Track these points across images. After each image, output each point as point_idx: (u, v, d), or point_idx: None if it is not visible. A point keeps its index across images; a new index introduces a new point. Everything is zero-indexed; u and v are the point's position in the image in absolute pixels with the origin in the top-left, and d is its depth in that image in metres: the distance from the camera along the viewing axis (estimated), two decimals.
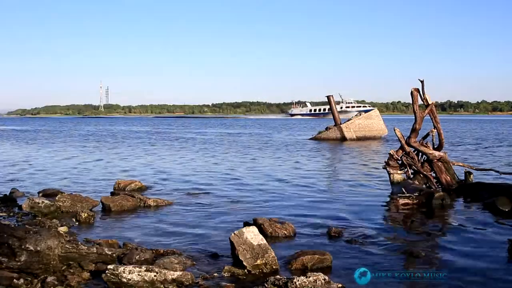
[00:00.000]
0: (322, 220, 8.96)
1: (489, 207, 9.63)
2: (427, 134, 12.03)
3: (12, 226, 6.79)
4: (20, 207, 9.64)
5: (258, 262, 6.01)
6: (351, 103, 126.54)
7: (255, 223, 7.85)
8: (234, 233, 6.30)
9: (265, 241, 6.24)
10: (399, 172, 11.83)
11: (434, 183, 11.49)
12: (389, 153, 12.16)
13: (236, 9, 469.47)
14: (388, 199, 11.06)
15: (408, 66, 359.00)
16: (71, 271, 5.80)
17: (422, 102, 11.73)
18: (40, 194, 11.20)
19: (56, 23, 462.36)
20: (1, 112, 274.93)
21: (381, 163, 14.90)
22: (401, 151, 11.96)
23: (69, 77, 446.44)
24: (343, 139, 34.23)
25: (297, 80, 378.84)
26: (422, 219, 9.14)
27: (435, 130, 11.86)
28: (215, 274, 5.90)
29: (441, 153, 11.72)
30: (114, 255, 6.25)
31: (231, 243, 6.26)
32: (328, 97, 37.16)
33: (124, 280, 5.27)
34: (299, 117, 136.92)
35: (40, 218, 8.62)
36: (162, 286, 5.36)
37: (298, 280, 5.19)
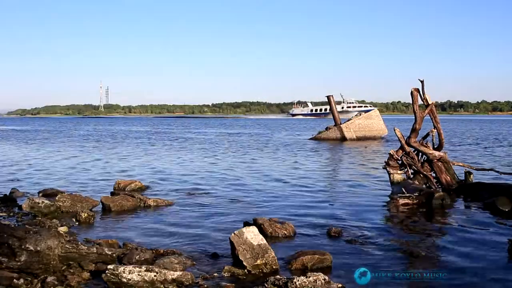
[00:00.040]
0: (322, 220, 8.96)
1: (489, 207, 9.63)
2: (427, 134, 12.03)
3: (12, 226, 6.79)
4: (20, 207, 9.63)
5: (258, 262, 6.01)
6: (353, 103, 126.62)
7: (255, 223, 7.85)
8: (234, 233, 6.30)
9: (265, 241, 6.25)
10: (399, 172, 11.83)
11: (434, 183, 11.49)
12: (389, 153, 12.16)
13: (236, 9, 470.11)
14: (388, 199, 11.05)
15: (408, 66, 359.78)
16: (71, 271, 5.80)
17: (422, 102, 11.73)
18: (40, 194, 11.20)
19: (56, 23, 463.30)
20: (1, 112, 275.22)
21: (381, 163, 14.90)
22: (401, 151, 11.96)
23: (69, 77, 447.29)
24: (343, 139, 34.24)
25: (297, 80, 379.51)
26: (422, 219, 9.13)
27: (435, 130, 11.86)
28: (215, 274, 5.90)
29: (441, 153, 11.72)
30: (114, 255, 6.25)
31: (231, 243, 6.26)
32: (328, 97, 37.16)
33: (124, 280, 5.27)
34: (301, 117, 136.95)
35: (40, 218, 8.62)
36: (162, 286, 5.36)
37: (298, 280, 5.19)
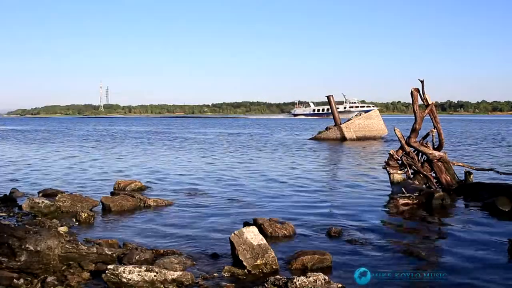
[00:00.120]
0: (322, 220, 8.96)
1: (489, 207, 9.63)
2: (427, 134, 12.03)
3: (12, 226, 6.79)
4: (20, 207, 9.63)
5: (258, 262, 6.01)
6: (355, 103, 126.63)
7: (255, 223, 7.85)
8: (234, 233, 6.30)
9: (265, 241, 6.25)
10: (399, 172, 11.83)
11: (434, 183, 11.49)
12: (389, 153, 12.17)
13: (236, 9, 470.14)
14: (388, 199, 11.06)
15: (408, 66, 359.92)
16: (71, 271, 5.80)
17: (422, 102, 11.73)
18: (40, 194, 11.20)
19: (56, 23, 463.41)
20: (1, 112, 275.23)
21: (381, 163, 14.90)
22: (401, 151, 11.96)
23: (69, 77, 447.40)
24: (343, 139, 34.24)
25: (297, 80, 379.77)
26: (422, 219, 9.13)
27: (435, 130, 11.86)
28: (215, 274, 5.90)
29: (441, 153, 11.72)
30: (114, 255, 6.25)
31: (231, 243, 6.26)
32: (328, 97, 37.16)
33: (124, 280, 5.27)
34: (303, 117, 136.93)
35: (40, 218, 8.62)
36: (162, 286, 5.36)
37: (298, 280, 5.19)
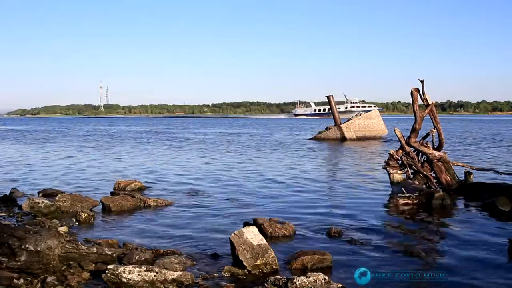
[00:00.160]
0: (322, 220, 8.96)
1: (489, 207, 9.63)
2: (427, 134, 12.03)
3: (12, 226, 6.79)
4: (20, 207, 9.63)
5: (258, 262, 6.01)
6: (356, 103, 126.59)
7: (255, 223, 7.85)
8: (234, 233, 6.30)
9: (265, 241, 6.24)
10: (399, 172, 11.83)
11: (434, 183, 11.49)
12: (389, 153, 12.16)
13: (236, 9, 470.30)
14: (388, 199, 11.06)
15: (408, 66, 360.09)
16: (71, 271, 5.80)
17: (422, 102, 11.73)
18: (40, 194, 11.20)
19: (56, 23, 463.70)
20: (1, 112, 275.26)
21: (381, 163, 14.91)
22: (401, 151, 11.96)
23: (69, 77, 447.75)
24: (343, 139, 34.24)
25: (297, 80, 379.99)
26: (422, 219, 9.13)
27: (435, 130, 11.86)
28: (215, 274, 5.90)
29: (441, 153, 11.72)
30: (114, 255, 6.25)
31: (231, 243, 6.26)
32: (328, 97, 37.16)
33: (124, 280, 5.27)
34: (304, 117, 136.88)
35: (40, 218, 8.62)
36: (162, 286, 5.36)
37: (298, 280, 5.19)
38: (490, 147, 27.84)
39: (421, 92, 11.53)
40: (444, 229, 8.44)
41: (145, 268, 5.42)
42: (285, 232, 7.81)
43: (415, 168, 11.66)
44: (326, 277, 5.34)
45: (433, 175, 11.69)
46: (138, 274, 5.32)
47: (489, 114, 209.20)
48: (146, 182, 13.54)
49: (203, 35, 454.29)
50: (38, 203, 9.37)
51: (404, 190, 10.44)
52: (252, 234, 6.25)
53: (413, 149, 11.85)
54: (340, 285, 5.36)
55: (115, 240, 7.27)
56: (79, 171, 16.66)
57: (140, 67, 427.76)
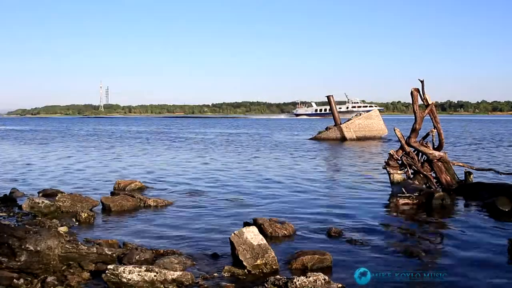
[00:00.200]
0: (322, 220, 8.96)
1: (489, 207, 9.63)
2: (427, 134, 12.03)
3: (12, 226, 6.79)
4: (20, 207, 9.63)
5: (258, 262, 6.01)
6: (358, 102, 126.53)
7: (255, 223, 7.85)
8: (234, 233, 6.30)
9: (265, 241, 6.24)
10: (399, 172, 11.83)
11: (434, 183, 11.49)
12: (389, 153, 12.16)
13: (236, 9, 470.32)
14: (388, 199, 11.06)
15: (408, 66, 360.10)
16: (71, 271, 5.80)
17: (422, 102, 11.73)
18: (40, 194, 11.20)
19: (56, 23, 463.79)
20: (1, 112, 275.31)
21: (381, 163, 14.90)
22: (401, 151, 11.96)
23: (69, 77, 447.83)
24: (343, 139, 34.24)
25: (297, 80, 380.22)
26: (422, 219, 9.13)
27: (435, 130, 11.86)
28: (215, 274, 5.90)
29: (441, 153, 11.72)
30: (114, 255, 6.25)
31: (231, 243, 6.26)
32: (328, 97, 37.16)
33: (124, 280, 5.27)
34: (305, 117, 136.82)
35: (40, 218, 8.62)
36: (162, 286, 5.36)
37: (298, 280, 5.19)
38: (489, 147, 27.84)
39: (421, 92, 11.53)
40: (444, 229, 8.44)
41: (145, 268, 5.42)
42: (285, 232, 7.81)
43: (415, 168, 11.66)
44: (326, 277, 5.34)
45: (433, 175, 11.69)
46: (138, 274, 5.32)
47: (489, 114, 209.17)
48: (146, 182, 13.54)
49: (203, 35, 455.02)
50: (38, 203, 9.37)
51: (404, 190, 10.44)
52: (252, 234, 6.25)
53: (413, 149, 11.85)
54: (340, 285, 5.36)
55: (115, 240, 7.27)
56: (79, 171, 16.66)
57: (140, 67, 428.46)
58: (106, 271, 5.36)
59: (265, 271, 5.96)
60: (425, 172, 11.57)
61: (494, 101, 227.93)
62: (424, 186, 11.25)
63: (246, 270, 5.96)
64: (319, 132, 37.50)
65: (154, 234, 8.02)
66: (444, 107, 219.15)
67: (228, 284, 5.54)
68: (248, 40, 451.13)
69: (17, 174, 15.74)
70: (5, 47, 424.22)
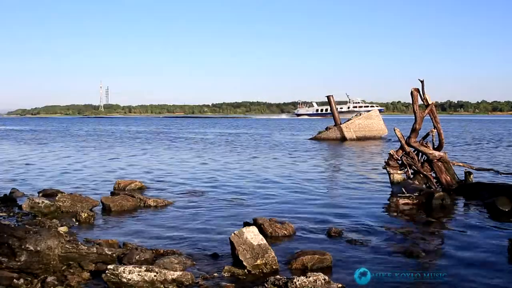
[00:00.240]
0: (322, 220, 8.96)
1: (489, 207, 9.63)
2: (427, 134, 12.03)
3: (12, 226, 6.79)
4: (20, 207, 9.63)
5: (258, 262, 6.01)
6: (359, 102, 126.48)
7: (255, 223, 7.85)
8: (234, 233, 6.30)
9: (265, 241, 6.25)
10: (399, 172, 11.83)
11: (434, 183, 11.49)
12: (389, 153, 12.16)
13: (236, 9, 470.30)
14: (388, 199, 11.05)
15: (408, 66, 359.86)
16: (71, 271, 5.80)
17: (422, 102, 11.73)
18: (40, 194, 11.20)
19: (56, 23, 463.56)
20: (1, 112, 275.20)
21: (381, 163, 14.90)
22: (401, 151, 11.96)
23: (69, 77, 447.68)
24: (343, 139, 34.25)
25: (297, 80, 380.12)
26: (422, 219, 9.13)
27: (435, 130, 11.86)
28: (215, 274, 5.90)
29: (441, 153, 11.72)
30: (114, 255, 6.25)
31: (231, 243, 6.26)
32: (328, 97, 37.16)
33: (124, 280, 5.27)
34: (306, 117, 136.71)
35: (40, 218, 8.62)
36: (162, 286, 5.36)
37: (298, 280, 5.19)
38: (489, 147, 27.85)
39: (421, 92, 11.53)
40: (444, 229, 8.44)
41: (145, 268, 5.42)
42: (285, 232, 7.81)
43: (415, 168, 11.66)
44: (326, 277, 5.34)
45: (433, 175, 11.69)
46: (138, 274, 5.32)
47: (489, 114, 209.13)
48: (146, 182, 13.54)
49: (203, 35, 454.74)
50: (38, 203, 9.37)
51: (404, 190, 10.44)
52: (252, 234, 6.25)
53: (413, 149, 11.85)
54: (340, 285, 5.36)
55: (115, 240, 7.27)
56: (79, 171, 16.66)
57: (140, 67, 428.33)
58: (106, 271, 5.37)
59: (265, 271, 5.97)
60: (425, 172, 11.57)
61: (494, 101, 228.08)
62: (424, 186, 11.25)
63: (246, 270, 5.96)
64: (319, 132, 37.50)
65: (154, 234, 8.03)
66: (444, 107, 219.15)
67: (228, 284, 5.54)
68: (248, 40, 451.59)
69: (17, 174, 15.74)
70: (5, 47, 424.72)
